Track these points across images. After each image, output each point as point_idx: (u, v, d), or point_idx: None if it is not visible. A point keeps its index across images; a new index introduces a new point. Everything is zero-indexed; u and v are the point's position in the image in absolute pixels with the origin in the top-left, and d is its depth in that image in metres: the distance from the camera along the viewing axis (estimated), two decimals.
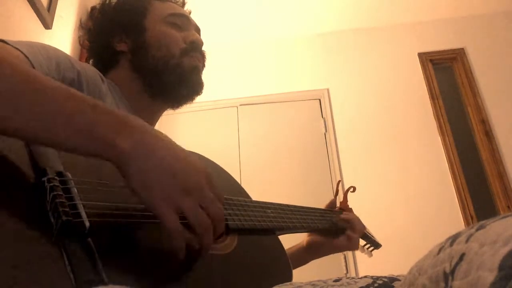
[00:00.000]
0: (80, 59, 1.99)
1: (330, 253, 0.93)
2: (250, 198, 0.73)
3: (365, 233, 0.99)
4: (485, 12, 3.02)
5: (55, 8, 1.79)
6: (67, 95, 0.41)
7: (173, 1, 0.88)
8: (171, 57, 0.79)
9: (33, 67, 0.55)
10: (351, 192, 1.06)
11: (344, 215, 0.94)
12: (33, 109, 0.38)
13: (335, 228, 0.90)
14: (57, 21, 1.80)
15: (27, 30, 1.57)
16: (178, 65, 0.79)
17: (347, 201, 1.04)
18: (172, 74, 0.79)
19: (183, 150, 0.46)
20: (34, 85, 0.40)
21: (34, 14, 1.61)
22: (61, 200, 0.39)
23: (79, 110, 0.40)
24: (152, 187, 0.40)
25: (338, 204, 1.03)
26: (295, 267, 0.91)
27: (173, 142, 0.46)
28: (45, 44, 0.63)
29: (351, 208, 1.02)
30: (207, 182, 0.45)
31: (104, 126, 0.41)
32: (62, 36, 1.93)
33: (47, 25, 1.71)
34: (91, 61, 0.86)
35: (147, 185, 0.41)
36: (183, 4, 0.90)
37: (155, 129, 0.46)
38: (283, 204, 0.78)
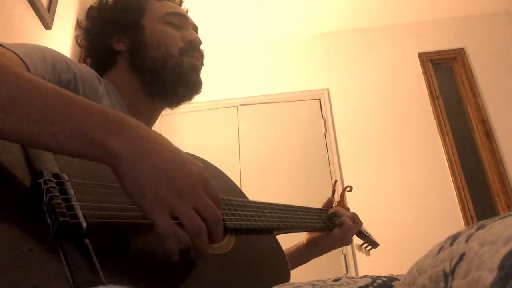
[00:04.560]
0: (80, 59, 1.99)
1: (329, 250, 0.94)
2: (247, 199, 0.73)
3: (362, 232, 0.99)
4: (485, 12, 3.02)
5: (55, 8, 1.79)
6: (59, 97, 0.40)
7: (170, 0, 0.88)
8: (170, 56, 0.79)
9: (28, 70, 0.54)
10: (347, 191, 1.07)
11: (332, 209, 0.94)
12: (25, 111, 0.38)
13: (332, 227, 0.91)
14: (57, 21, 1.81)
15: (27, 30, 1.57)
16: (178, 65, 0.79)
17: (344, 200, 1.04)
18: (171, 73, 0.79)
19: (178, 151, 0.45)
20: (26, 87, 0.39)
21: (34, 14, 1.61)
22: (57, 201, 0.39)
23: (71, 111, 0.40)
24: (145, 189, 0.40)
25: (335, 204, 1.03)
26: (295, 266, 0.91)
27: (169, 143, 0.45)
28: (41, 46, 0.63)
29: (348, 208, 1.02)
30: (203, 185, 0.44)
31: (96, 127, 0.40)
32: (62, 36, 1.93)
33: (47, 25, 1.71)
34: (88, 61, 0.86)
35: (139, 187, 0.40)
36: (180, 3, 0.90)
37: (151, 130, 0.44)
38: (280, 204, 0.78)
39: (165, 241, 0.40)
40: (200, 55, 0.84)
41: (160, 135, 0.45)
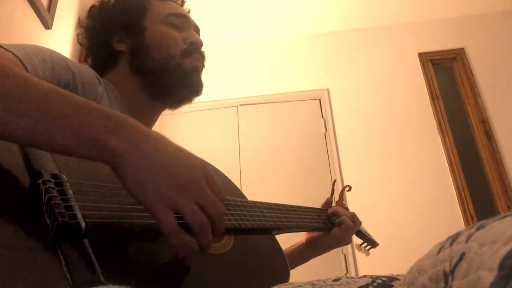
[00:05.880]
0: (80, 59, 1.99)
1: (328, 250, 0.94)
2: (246, 199, 0.73)
3: (361, 231, 0.99)
4: (485, 12, 3.02)
5: (55, 8, 1.79)
6: (59, 97, 0.40)
7: (173, 0, 0.87)
8: (171, 58, 0.78)
9: (27, 70, 0.54)
10: (346, 191, 1.07)
11: (331, 209, 0.94)
12: (25, 112, 0.38)
13: (331, 226, 0.91)
14: (57, 21, 1.80)
15: (27, 30, 1.57)
16: (179, 66, 0.79)
17: (343, 200, 1.04)
18: (172, 75, 0.78)
19: (180, 148, 0.46)
20: (26, 87, 0.39)
21: (34, 14, 1.61)
22: (56, 201, 0.39)
23: (71, 111, 0.40)
24: (146, 186, 0.40)
25: (334, 204, 1.03)
26: (295, 266, 0.91)
27: (169, 140, 0.45)
28: (40, 46, 0.63)
29: (347, 207, 1.02)
30: (206, 180, 0.44)
31: (96, 127, 0.40)
32: (62, 36, 1.93)
33: (47, 25, 1.71)
34: (89, 60, 0.85)
35: (141, 185, 0.40)
36: (182, 3, 0.89)
37: (149, 129, 0.45)
38: (279, 204, 0.78)
39: (169, 237, 0.40)
40: (201, 56, 0.84)
41: (161, 134, 0.45)
